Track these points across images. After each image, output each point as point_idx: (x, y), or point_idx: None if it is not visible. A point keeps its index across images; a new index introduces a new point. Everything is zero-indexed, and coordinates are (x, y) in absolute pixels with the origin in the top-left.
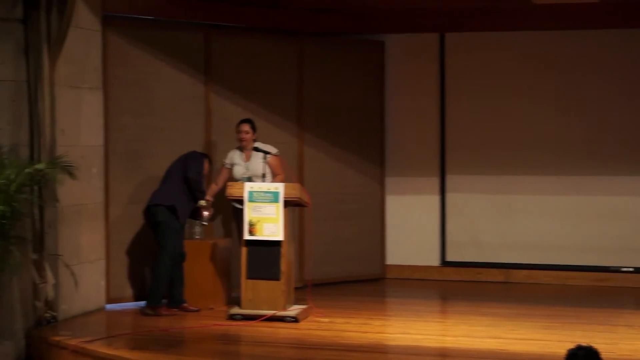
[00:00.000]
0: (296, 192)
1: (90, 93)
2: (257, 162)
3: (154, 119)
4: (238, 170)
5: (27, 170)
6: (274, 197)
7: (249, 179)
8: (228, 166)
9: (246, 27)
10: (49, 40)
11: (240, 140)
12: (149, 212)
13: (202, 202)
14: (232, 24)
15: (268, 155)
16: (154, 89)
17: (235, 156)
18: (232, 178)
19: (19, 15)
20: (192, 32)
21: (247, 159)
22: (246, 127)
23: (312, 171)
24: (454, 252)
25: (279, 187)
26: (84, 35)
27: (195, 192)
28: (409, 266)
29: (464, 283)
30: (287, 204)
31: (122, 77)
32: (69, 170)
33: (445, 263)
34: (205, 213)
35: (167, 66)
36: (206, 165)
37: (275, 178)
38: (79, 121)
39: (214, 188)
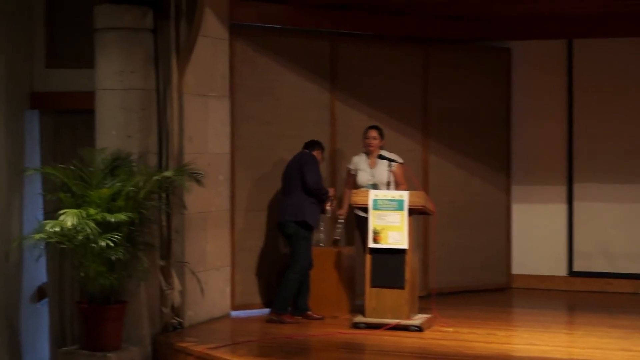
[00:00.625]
0: (421, 200)
1: (218, 101)
2: (382, 170)
3: (280, 127)
4: (363, 177)
5: (155, 177)
6: (399, 205)
7: (374, 186)
8: (353, 172)
9: (372, 35)
10: (177, 49)
11: (368, 145)
12: (281, 226)
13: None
14: (358, 31)
15: (393, 164)
16: (280, 96)
17: (360, 161)
18: (355, 184)
19: (149, 25)
20: (318, 40)
21: (373, 165)
22: (374, 133)
23: (436, 179)
24: (582, 261)
25: (404, 195)
26: (212, 44)
27: (318, 197)
28: (536, 276)
29: (592, 294)
30: (412, 212)
31: (249, 85)
32: (196, 178)
33: (572, 273)
34: (328, 207)
35: (293, 74)
36: (319, 156)
37: (398, 187)
38: (206, 129)
39: (347, 194)
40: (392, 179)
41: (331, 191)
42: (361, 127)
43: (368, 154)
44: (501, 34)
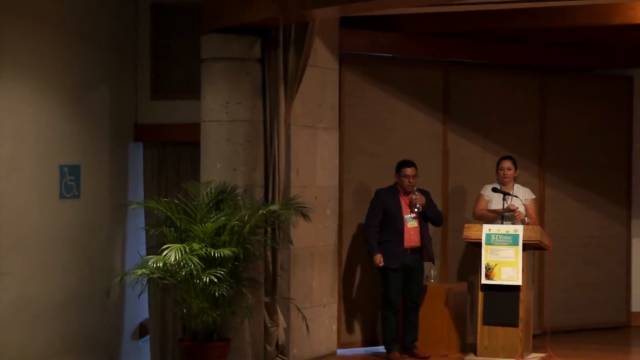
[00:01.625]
0: (536, 234)
1: (326, 132)
2: (516, 203)
3: (390, 159)
4: (494, 205)
5: (261, 211)
6: (513, 240)
7: (503, 219)
8: (486, 197)
9: (486, 63)
10: (285, 80)
11: (503, 177)
12: None
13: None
14: (472, 60)
15: (528, 199)
16: (390, 128)
17: (492, 194)
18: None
19: (256, 55)
20: (430, 70)
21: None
22: (508, 164)
23: (553, 213)
24: None
25: (519, 230)
26: (321, 74)
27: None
28: None
29: None
30: (527, 247)
31: (358, 116)
32: (303, 212)
33: None
34: (417, 204)
35: (404, 104)
36: (398, 179)
37: (528, 222)
38: (314, 161)
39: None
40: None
41: (377, 259)
42: (474, 159)
43: (501, 185)
44: (622, 61)
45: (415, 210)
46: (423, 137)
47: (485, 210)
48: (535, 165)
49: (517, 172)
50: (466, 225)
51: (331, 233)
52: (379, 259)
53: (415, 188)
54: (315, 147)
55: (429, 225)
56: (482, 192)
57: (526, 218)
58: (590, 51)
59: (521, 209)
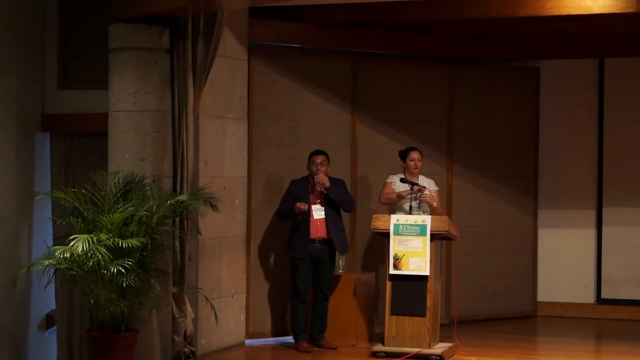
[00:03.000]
0: (444, 224)
1: (235, 123)
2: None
3: (299, 150)
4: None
5: (169, 201)
6: (421, 230)
7: (411, 210)
8: (392, 186)
9: (395, 55)
10: (194, 70)
11: (413, 168)
12: None
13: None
14: (381, 51)
15: (432, 190)
16: (299, 118)
17: (398, 182)
18: (392, 206)
19: (165, 44)
20: (339, 60)
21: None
22: (419, 155)
23: (460, 203)
24: (611, 289)
25: (427, 220)
26: (230, 65)
27: (288, 220)
28: (562, 303)
29: (621, 322)
30: (435, 237)
31: (267, 107)
32: (211, 202)
33: (601, 300)
34: (320, 183)
35: (313, 95)
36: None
37: (433, 212)
38: (223, 152)
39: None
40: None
41: (299, 205)
42: (383, 149)
43: (408, 176)
44: (529, 53)
45: (318, 190)
46: (332, 127)
47: (391, 194)
48: (443, 156)
49: (422, 163)
50: (374, 216)
51: (240, 224)
52: (300, 205)
53: (321, 175)
54: (224, 137)
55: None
56: (388, 180)
57: (434, 203)
58: (498, 43)
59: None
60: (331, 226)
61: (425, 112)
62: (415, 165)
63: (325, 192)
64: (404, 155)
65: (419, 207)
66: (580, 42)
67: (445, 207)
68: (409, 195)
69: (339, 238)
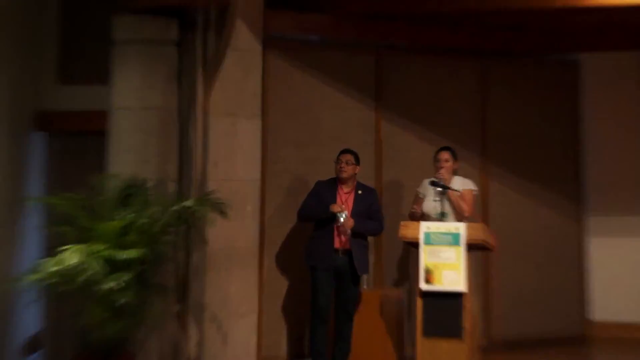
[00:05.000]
0: (480, 233)
1: (248, 121)
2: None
3: (318, 150)
4: (429, 204)
5: (173, 208)
6: (454, 240)
7: (442, 216)
8: (421, 196)
9: (423, 48)
10: (204, 64)
11: (439, 169)
12: None
13: (337, 212)
14: (407, 43)
15: (462, 189)
16: (319, 116)
17: (428, 189)
18: (422, 213)
19: (173, 37)
20: (362, 54)
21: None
22: (446, 155)
23: (497, 209)
24: None
25: (460, 228)
26: (243, 58)
27: (311, 221)
28: (617, 323)
29: None
30: (470, 247)
31: (284, 104)
32: (220, 209)
33: None
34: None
35: (333, 91)
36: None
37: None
38: (234, 153)
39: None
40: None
41: (333, 207)
42: (410, 150)
43: (439, 179)
44: (566, 46)
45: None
46: (355, 126)
47: (415, 210)
48: (477, 157)
49: (458, 164)
50: (402, 223)
51: (252, 232)
52: (335, 207)
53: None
54: (235, 137)
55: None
56: (419, 188)
57: (463, 206)
58: (535, 35)
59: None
60: (354, 240)
61: (455, 109)
62: (441, 166)
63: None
64: (434, 156)
65: (445, 215)
66: (622, 34)
67: (480, 213)
68: (437, 199)
69: (359, 255)
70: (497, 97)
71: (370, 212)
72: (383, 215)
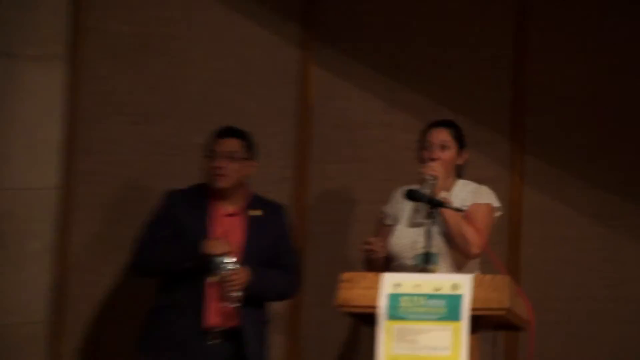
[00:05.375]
0: (502, 295)
1: (37, 70)
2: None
3: (181, 128)
4: (403, 237)
5: None
6: (450, 309)
7: (427, 259)
8: (389, 222)
9: None
10: None
11: (427, 161)
12: None
13: (217, 257)
14: None
15: (469, 204)
16: (187, 59)
17: (402, 206)
18: (390, 251)
19: None
20: None
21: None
22: (443, 135)
23: (537, 241)
24: None
25: (462, 284)
26: None
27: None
28: None
29: None
30: (481, 322)
31: (113, 35)
32: None
33: None
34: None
35: (219, 10)
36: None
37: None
38: (5, 133)
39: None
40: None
41: (212, 244)
42: (367, 125)
43: (427, 182)
44: None
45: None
46: (258, 75)
47: (371, 248)
48: (504, 144)
49: (466, 155)
50: (345, 277)
51: (40, 295)
52: (213, 245)
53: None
54: (8, 101)
55: None
56: (384, 207)
57: (468, 231)
58: None
59: None
60: (245, 311)
61: (463, 51)
62: (431, 156)
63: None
64: (419, 137)
65: (432, 257)
66: None
67: (506, 249)
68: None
69: (255, 339)
70: (541, 25)
71: (275, 252)
72: (300, 259)
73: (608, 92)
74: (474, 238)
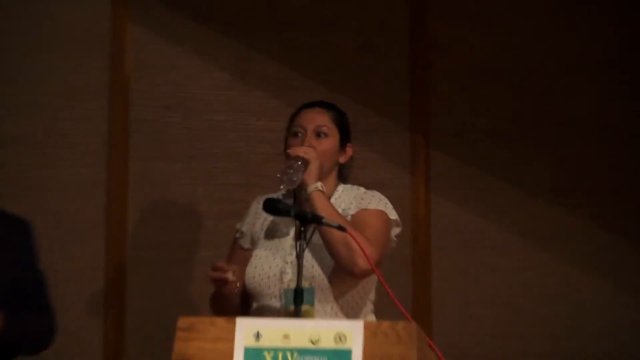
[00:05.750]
0: (406, 349)
1: None
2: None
3: None
4: (264, 264)
5: None
6: None
7: (298, 297)
8: (245, 244)
9: None
10: None
11: (294, 159)
12: None
13: None
14: None
15: (355, 210)
16: None
17: (264, 216)
18: (249, 286)
19: None
20: None
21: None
22: (320, 118)
23: (450, 271)
24: None
25: (350, 334)
26: None
27: None
28: None
29: None
30: None
31: None
32: None
33: None
34: None
35: None
36: None
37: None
38: None
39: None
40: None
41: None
42: (211, 105)
43: (290, 188)
44: None
45: None
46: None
47: (218, 275)
48: (405, 136)
49: (350, 149)
50: (182, 322)
51: None
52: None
53: None
54: None
55: None
56: (239, 224)
57: (352, 243)
58: None
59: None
60: None
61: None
62: (302, 143)
63: None
64: (287, 128)
65: (304, 295)
66: None
67: (410, 281)
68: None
69: None
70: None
71: (20, 287)
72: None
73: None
74: (362, 246)
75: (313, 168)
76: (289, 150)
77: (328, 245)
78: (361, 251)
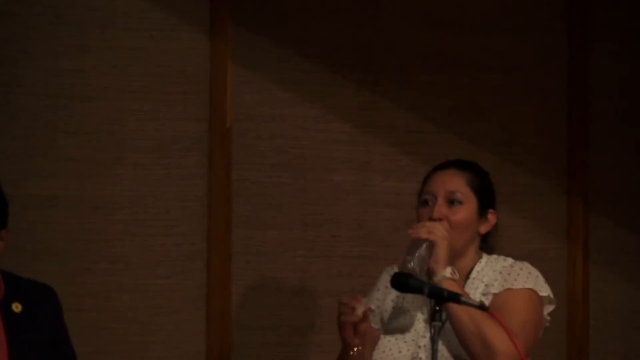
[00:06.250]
0: None
1: None
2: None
3: None
4: (392, 349)
5: None
6: None
7: None
8: (375, 325)
9: None
10: None
11: (418, 241)
12: None
13: None
14: None
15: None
16: None
17: (385, 299)
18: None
19: None
20: None
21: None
22: (456, 182)
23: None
24: None
25: None
26: None
27: None
28: None
29: None
30: None
31: None
32: None
33: None
34: None
35: None
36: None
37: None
38: None
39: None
40: None
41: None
42: (333, 166)
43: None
44: None
45: None
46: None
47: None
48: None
49: (494, 216)
50: None
51: None
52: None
53: None
54: None
55: None
56: (366, 298)
57: (489, 332)
58: None
59: None
60: None
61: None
62: (431, 215)
63: None
64: (418, 193)
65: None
66: None
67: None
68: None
69: None
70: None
71: (50, 349)
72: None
73: None
74: (501, 342)
75: (440, 251)
76: (409, 231)
77: (459, 338)
78: (499, 348)
